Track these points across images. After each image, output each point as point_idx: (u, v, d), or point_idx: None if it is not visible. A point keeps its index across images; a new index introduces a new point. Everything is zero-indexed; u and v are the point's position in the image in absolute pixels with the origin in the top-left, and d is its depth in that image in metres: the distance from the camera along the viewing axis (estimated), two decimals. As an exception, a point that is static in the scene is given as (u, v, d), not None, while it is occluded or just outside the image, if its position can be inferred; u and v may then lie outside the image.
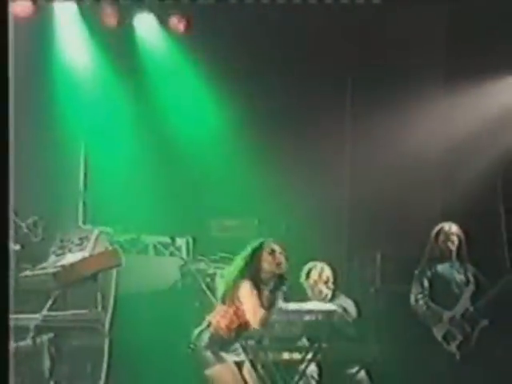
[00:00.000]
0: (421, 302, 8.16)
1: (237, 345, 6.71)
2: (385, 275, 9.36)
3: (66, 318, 7.38)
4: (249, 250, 6.81)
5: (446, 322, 8.11)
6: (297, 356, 7.59)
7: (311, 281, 8.25)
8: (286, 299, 7.49)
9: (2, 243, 3.13)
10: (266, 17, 9.46)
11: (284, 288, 6.78)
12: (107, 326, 7.50)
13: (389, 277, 9.30)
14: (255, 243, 6.85)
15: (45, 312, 7.26)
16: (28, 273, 7.27)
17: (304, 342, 7.63)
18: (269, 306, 6.70)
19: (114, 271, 7.60)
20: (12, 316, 5.94)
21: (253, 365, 6.88)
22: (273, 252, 6.76)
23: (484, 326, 8.10)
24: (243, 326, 6.66)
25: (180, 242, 8.78)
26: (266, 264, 6.73)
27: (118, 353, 7.47)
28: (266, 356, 7.30)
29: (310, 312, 7.63)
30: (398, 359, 8.32)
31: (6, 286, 3.19)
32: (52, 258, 7.42)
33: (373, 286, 9.32)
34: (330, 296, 8.26)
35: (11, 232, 6.41)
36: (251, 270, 6.71)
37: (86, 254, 7.53)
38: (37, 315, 7.23)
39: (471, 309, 8.13)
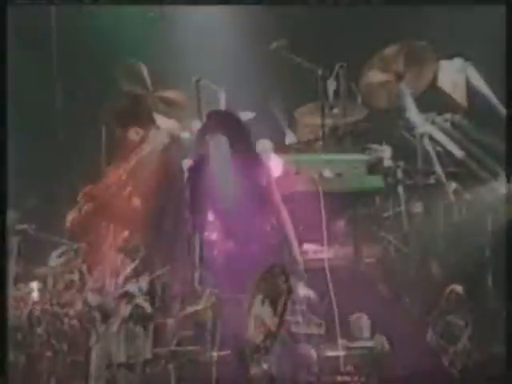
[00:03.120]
0: (433, 339, 9.26)
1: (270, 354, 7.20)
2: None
3: (186, 352, 8.21)
4: (263, 270, 7.43)
5: (451, 354, 9.08)
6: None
7: None
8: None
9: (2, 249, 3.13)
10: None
11: (290, 299, 7.24)
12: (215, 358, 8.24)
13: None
14: (268, 266, 7.43)
15: (171, 347, 8.21)
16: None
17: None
18: (280, 316, 7.13)
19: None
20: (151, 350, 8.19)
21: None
22: (279, 274, 7.27)
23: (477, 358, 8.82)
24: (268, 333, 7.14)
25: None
26: (274, 282, 7.26)
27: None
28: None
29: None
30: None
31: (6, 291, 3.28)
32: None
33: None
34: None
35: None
36: (265, 288, 7.30)
37: (199, 307, 8.43)
38: (165, 349, 8.23)
39: (468, 345, 9.11)
